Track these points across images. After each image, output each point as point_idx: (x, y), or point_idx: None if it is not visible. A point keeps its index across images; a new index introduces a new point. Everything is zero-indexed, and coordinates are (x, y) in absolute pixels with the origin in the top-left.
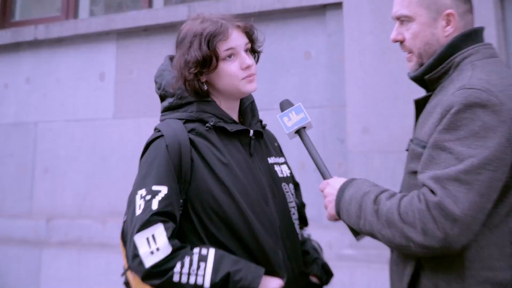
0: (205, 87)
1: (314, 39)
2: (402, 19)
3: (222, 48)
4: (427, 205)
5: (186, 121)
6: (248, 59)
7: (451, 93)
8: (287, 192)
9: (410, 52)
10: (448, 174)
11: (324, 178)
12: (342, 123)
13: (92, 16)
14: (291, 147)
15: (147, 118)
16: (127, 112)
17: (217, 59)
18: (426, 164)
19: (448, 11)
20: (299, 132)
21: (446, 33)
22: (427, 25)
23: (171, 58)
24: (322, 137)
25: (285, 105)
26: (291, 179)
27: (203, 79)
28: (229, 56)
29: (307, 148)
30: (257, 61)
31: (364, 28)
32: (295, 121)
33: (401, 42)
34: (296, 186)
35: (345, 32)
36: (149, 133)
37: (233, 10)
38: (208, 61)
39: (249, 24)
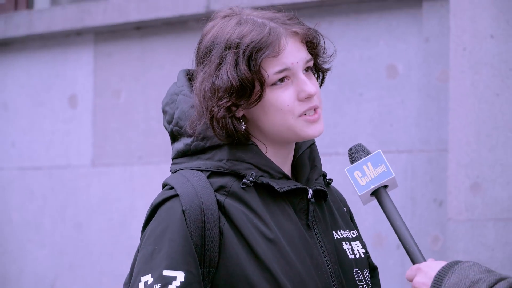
0: (243, 126)
1: (403, 45)
2: None
3: (271, 69)
4: None
5: (212, 173)
6: (310, 85)
7: None
8: (361, 282)
9: None
10: None
11: (414, 261)
12: (442, 177)
13: (55, 6)
14: (363, 211)
15: (143, 166)
16: (112, 156)
17: (262, 86)
18: None
19: None
20: (377, 193)
21: None
22: None
23: (189, 75)
24: (410, 198)
25: (356, 153)
26: (366, 262)
27: (239, 113)
28: (281, 80)
29: (388, 217)
30: (321, 84)
31: (482, 29)
32: (372, 178)
33: None
34: (373, 271)
35: (451, 36)
36: (146, 189)
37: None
38: (248, 88)
39: (312, 29)
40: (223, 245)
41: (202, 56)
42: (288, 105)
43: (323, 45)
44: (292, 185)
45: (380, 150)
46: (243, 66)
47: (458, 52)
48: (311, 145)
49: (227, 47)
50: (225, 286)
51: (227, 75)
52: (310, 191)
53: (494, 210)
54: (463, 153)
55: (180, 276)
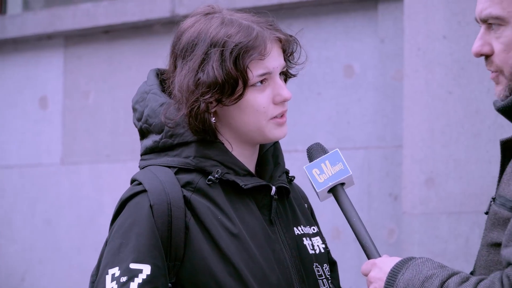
0: (213, 121)
1: (359, 46)
2: (491, 22)
3: (256, 71)
4: None
5: (179, 170)
6: (287, 90)
7: None
8: (321, 276)
9: (499, 71)
10: None
11: (369, 256)
12: (397, 172)
13: (27, 11)
14: (321, 205)
15: (111, 164)
16: (80, 155)
17: (245, 85)
18: None
19: None
20: (335, 190)
21: None
22: None
23: (159, 74)
24: (367, 192)
25: (315, 152)
26: (326, 256)
27: (212, 108)
28: (261, 82)
29: (345, 214)
30: None
31: (435, 30)
32: (329, 175)
33: (487, 56)
34: (333, 266)
35: (406, 36)
36: (114, 187)
37: (239, 2)
38: (231, 86)
39: (293, 37)
40: (189, 239)
41: (184, 50)
42: (264, 107)
43: (296, 52)
44: (256, 182)
45: (337, 149)
46: (229, 65)
47: (412, 52)
48: (275, 143)
49: (213, 45)
50: (190, 280)
51: (213, 71)
52: (273, 188)
53: (447, 204)
54: (417, 149)
55: (146, 269)
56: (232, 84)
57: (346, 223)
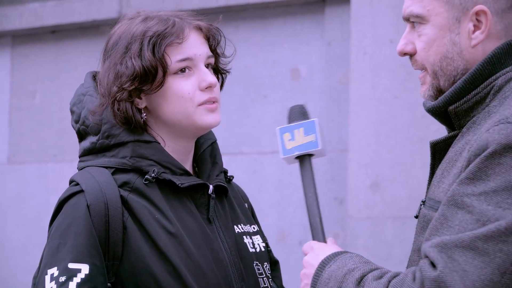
0: (143, 116)
1: (306, 49)
2: (413, 20)
3: (174, 57)
4: (422, 284)
5: (116, 170)
6: (211, 76)
7: (485, 130)
8: (261, 274)
9: (423, 69)
10: (460, 240)
11: (314, 237)
12: (343, 176)
13: None
14: (267, 208)
15: (57, 163)
16: (27, 154)
17: (165, 72)
18: (435, 228)
19: (479, 7)
20: (302, 159)
21: (474, 41)
22: (446, 29)
23: (95, 76)
24: None
25: (294, 114)
26: (266, 255)
27: (141, 104)
28: (182, 70)
29: (304, 187)
30: (221, 87)
31: (382, 35)
32: (299, 143)
33: (411, 55)
34: (274, 265)
35: (352, 40)
36: (60, 186)
37: (185, 3)
38: (151, 74)
39: (213, 26)
40: (127, 238)
41: (108, 51)
42: (189, 93)
43: (223, 45)
44: (193, 181)
45: (316, 118)
46: (147, 53)
47: (358, 56)
48: (213, 143)
49: (133, 38)
50: (129, 278)
51: (132, 61)
52: (211, 186)
53: (392, 208)
54: (363, 153)
55: (84, 268)
56: (151, 71)
57: (291, 225)
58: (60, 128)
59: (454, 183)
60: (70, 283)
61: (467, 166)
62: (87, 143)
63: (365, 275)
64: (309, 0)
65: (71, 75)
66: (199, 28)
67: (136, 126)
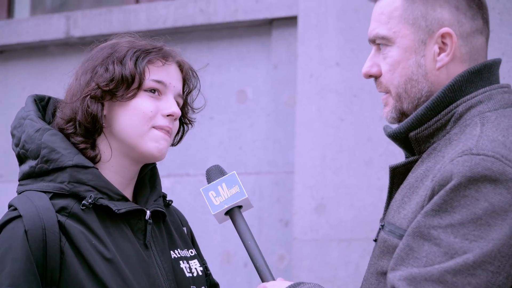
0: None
1: (252, 71)
2: (379, 42)
3: (152, 75)
4: None
5: (55, 195)
6: (177, 107)
7: (449, 160)
8: None
9: (387, 92)
10: (429, 274)
11: (263, 279)
12: (288, 198)
13: None
14: (212, 230)
15: (4, 184)
16: None
17: (140, 85)
18: (401, 258)
19: (444, 29)
20: (231, 213)
21: (439, 63)
22: (411, 51)
23: (37, 100)
24: (257, 217)
25: (213, 174)
26: (203, 279)
27: (104, 110)
28: (153, 91)
29: (240, 236)
30: (180, 139)
31: (328, 57)
32: (225, 198)
33: (376, 78)
34: (214, 287)
35: (299, 62)
36: (7, 207)
37: (133, 24)
38: (127, 82)
39: (193, 70)
40: (64, 264)
41: (92, 56)
42: (151, 111)
43: (192, 88)
44: (130, 206)
45: (235, 172)
46: (129, 62)
47: (305, 78)
48: (152, 168)
49: (119, 47)
50: None
51: (113, 66)
52: (148, 212)
53: (338, 231)
54: (308, 176)
55: None
56: (128, 79)
57: (237, 247)
58: (7, 148)
59: (419, 214)
60: None
61: (432, 196)
62: (26, 167)
63: None
64: (256, 23)
65: (19, 95)
66: (180, 65)
67: (95, 130)
